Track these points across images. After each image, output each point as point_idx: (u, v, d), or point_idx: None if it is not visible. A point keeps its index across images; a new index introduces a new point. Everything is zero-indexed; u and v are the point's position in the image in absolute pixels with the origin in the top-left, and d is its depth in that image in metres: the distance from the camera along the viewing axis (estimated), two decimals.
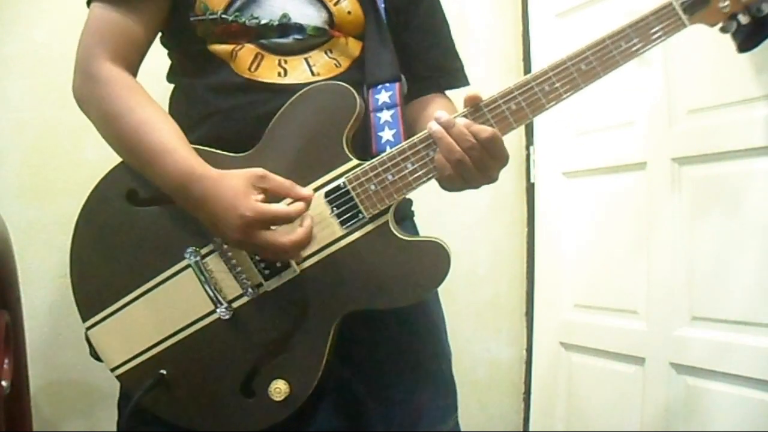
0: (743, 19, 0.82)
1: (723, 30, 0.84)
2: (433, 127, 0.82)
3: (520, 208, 2.05)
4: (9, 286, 1.30)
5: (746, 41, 0.88)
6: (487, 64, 2.04)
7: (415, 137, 0.85)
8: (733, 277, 1.41)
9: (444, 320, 1.04)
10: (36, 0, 1.67)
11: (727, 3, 0.80)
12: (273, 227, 0.81)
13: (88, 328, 0.90)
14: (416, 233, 1.02)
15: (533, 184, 2.01)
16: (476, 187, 0.85)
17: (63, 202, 1.63)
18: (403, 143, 0.85)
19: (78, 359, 1.60)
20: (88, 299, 0.90)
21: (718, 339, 1.42)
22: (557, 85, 0.81)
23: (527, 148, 2.02)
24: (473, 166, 0.81)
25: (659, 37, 0.81)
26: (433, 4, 1.05)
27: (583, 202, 1.84)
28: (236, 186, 0.80)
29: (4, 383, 1.17)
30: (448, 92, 1.06)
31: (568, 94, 0.82)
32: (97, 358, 0.91)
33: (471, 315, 2.00)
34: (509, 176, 2.01)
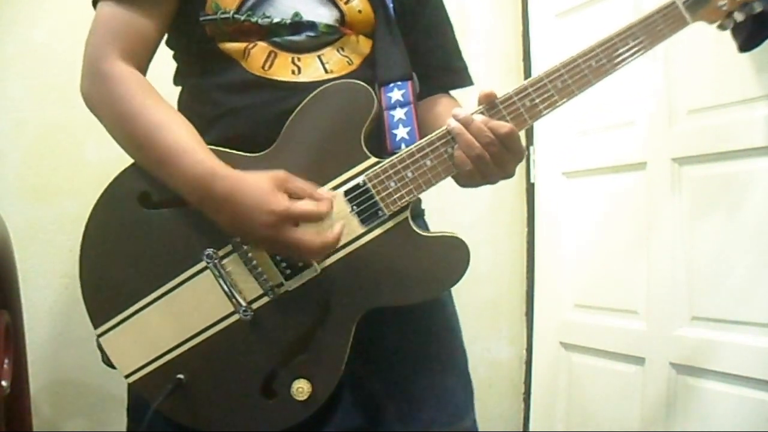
0: (738, 16, 0.87)
1: (721, 27, 0.88)
2: (452, 123, 0.84)
3: (520, 208, 2.05)
4: (9, 286, 1.30)
5: (747, 41, 0.89)
6: (488, 64, 2.04)
7: (432, 134, 0.86)
8: (733, 277, 1.41)
9: (458, 317, 1.04)
10: (36, 0, 1.67)
11: (725, 1, 0.85)
12: (301, 226, 0.81)
13: (101, 335, 0.88)
14: (427, 230, 1.02)
15: (533, 184, 2.01)
16: (493, 182, 0.87)
17: (63, 202, 1.63)
18: (421, 140, 0.86)
19: (78, 359, 1.60)
20: (100, 305, 0.88)
21: (718, 339, 1.42)
22: (569, 81, 0.84)
23: (527, 148, 2.01)
24: (492, 161, 0.83)
25: (664, 35, 0.85)
26: (439, 5, 1.06)
27: (583, 202, 1.84)
28: (262, 184, 0.80)
29: (4, 383, 1.17)
30: (452, 92, 1.06)
31: (580, 90, 0.85)
32: (110, 365, 0.89)
33: (471, 315, 2.00)
34: None
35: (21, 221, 1.60)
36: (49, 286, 1.63)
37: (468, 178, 0.86)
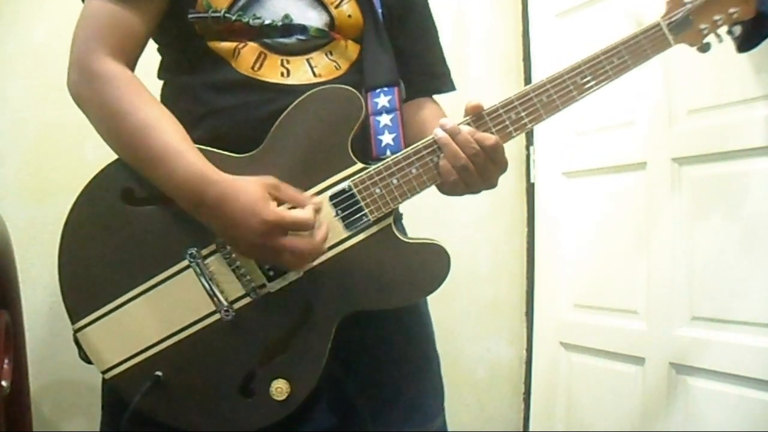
0: (716, 39, 0.92)
1: (701, 50, 0.93)
2: (439, 133, 0.85)
3: (520, 208, 2.05)
4: (9, 286, 1.31)
5: (746, 41, 0.90)
6: (487, 64, 2.04)
7: (419, 143, 0.87)
8: (732, 277, 1.41)
9: (431, 322, 1.05)
10: (36, 0, 1.67)
11: (706, 25, 0.90)
12: (290, 235, 0.81)
13: (78, 330, 0.88)
14: (405, 234, 1.03)
15: (533, 184, 2.01)
16: (476, 192, 0.89)
17: (63, 202, 1.61)
18: (408, 149, 0.87)
19: (78, 359, 1.60)
20: (78, 300, 0.89)
21: (717, 339, 1.42)
22: (554, 97, 0.87)
23: (527, 148, 2.02)
24: (476, 172, 0.85)
25: (647, 55, 0.89)
26: (426, 9, 1.06)
27: (583, 202, 1.84)
28: (254, 191, 0.80)
29: (4, 383, 1.17)
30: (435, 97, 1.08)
31: (565, 106, 0.88)
32: (87, 360, 0.90)
33: (471, 315, 2.00)
34: (509, 176, 1.99)
35: (21, 221, 1.60)
36: (49, 286, 1.62)
37: (451, 187, 0.88)
